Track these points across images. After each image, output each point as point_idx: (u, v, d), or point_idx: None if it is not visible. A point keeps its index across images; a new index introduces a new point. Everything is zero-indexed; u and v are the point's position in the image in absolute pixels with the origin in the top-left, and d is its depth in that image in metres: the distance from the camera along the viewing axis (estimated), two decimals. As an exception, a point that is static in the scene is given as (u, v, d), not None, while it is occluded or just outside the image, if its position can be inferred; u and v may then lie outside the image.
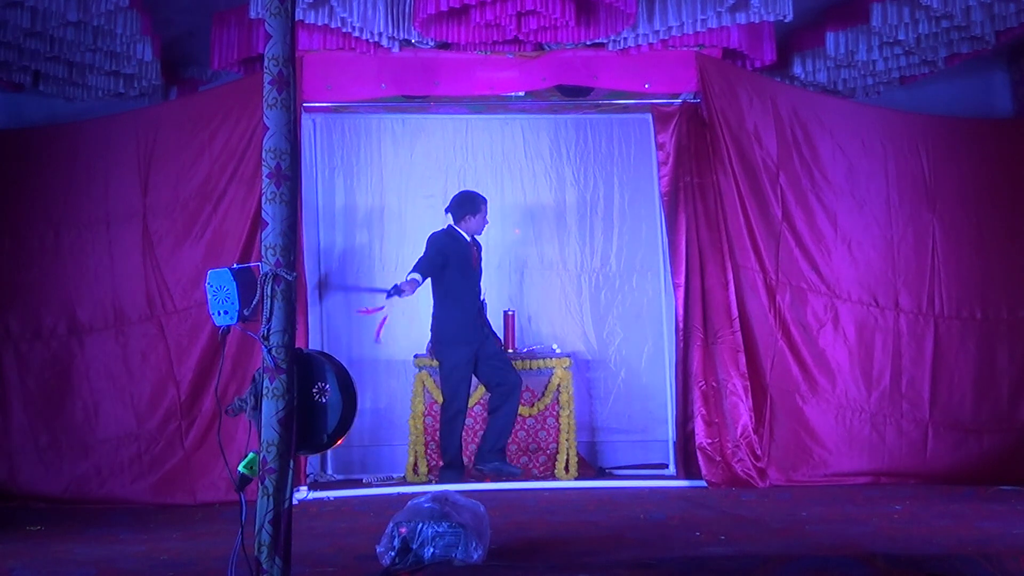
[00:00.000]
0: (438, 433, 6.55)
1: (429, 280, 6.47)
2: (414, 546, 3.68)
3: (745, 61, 6.58)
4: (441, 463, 6.55)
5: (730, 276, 6.24)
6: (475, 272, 6.59)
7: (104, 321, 6.22)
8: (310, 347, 4.82)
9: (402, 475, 6.67)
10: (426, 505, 3.84)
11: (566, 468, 6.58)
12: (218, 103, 6.31)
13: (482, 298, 6.61)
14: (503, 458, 6.40)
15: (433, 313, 6.55)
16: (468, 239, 6.58)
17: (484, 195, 6.69)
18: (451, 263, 6.48)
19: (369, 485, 6.54)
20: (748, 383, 6.14)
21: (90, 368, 6.17)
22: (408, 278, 6.34)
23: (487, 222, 6.65)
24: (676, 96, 6.56)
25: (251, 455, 3.10)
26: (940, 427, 6.33)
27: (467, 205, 6.59)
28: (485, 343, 6.51)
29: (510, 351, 6.77)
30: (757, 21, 5.94)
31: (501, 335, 6.78)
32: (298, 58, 5.40)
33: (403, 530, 3.72)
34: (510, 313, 6.93)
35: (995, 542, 4.01)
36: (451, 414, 6.40)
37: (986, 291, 6.58)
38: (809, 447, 6.16)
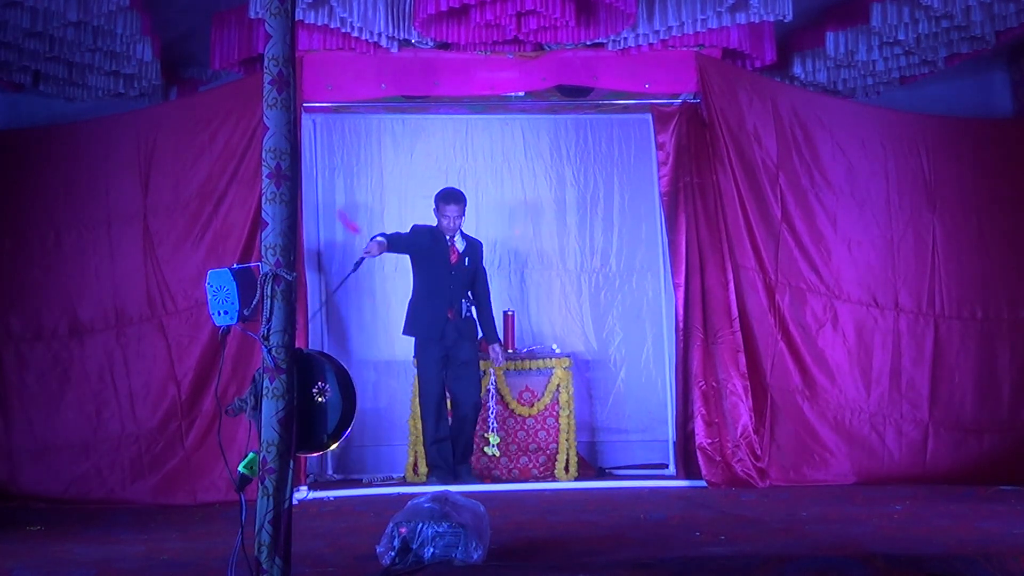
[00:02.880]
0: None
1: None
2: (414, 546, 3.69)
3: (745, 61, 6.58)
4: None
5: (730, 276, 6.24)
6: (452, 271, 6.44)
7: (105, 321, 6.22)
8: (310, 347, 4.82)
9: (402, 475, 6.67)
10: (426, 505, 3.84)
11: (566, 468, 6.58)
12: (218, 103, 6.32)
13: (466, 302, 6.45)
14: (469, 472, 6.39)
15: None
16: (448, 238, 6.46)
17: (462, 192, 6.60)
18: (421, 256, 6.43)
19: (369, 485, 6.54)
20: (748, 383, 6.14)
21: (90, 368, 6.17)
22: (376, 239, 6.20)
23: (457, 220, 6.43)
24: (676, 96, 6.56)
25: (251, 455, 3.10)
26: (940, 427, 6.33)
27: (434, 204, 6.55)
28: (458, 346, 6.41)
29: (510, 351, 6.76)
30: (757, 21, 5.95)
31: (501, 335, 6.69)
32: (298, 58, 5.41)
33: (403, 530, 3.72)
34: (510, 313, 6.92)
35: (995, 542, 4.01)
36: (425, 406, 6.38)
37: (986, 291, 6.58)
38: (809, 447, 6.16)
